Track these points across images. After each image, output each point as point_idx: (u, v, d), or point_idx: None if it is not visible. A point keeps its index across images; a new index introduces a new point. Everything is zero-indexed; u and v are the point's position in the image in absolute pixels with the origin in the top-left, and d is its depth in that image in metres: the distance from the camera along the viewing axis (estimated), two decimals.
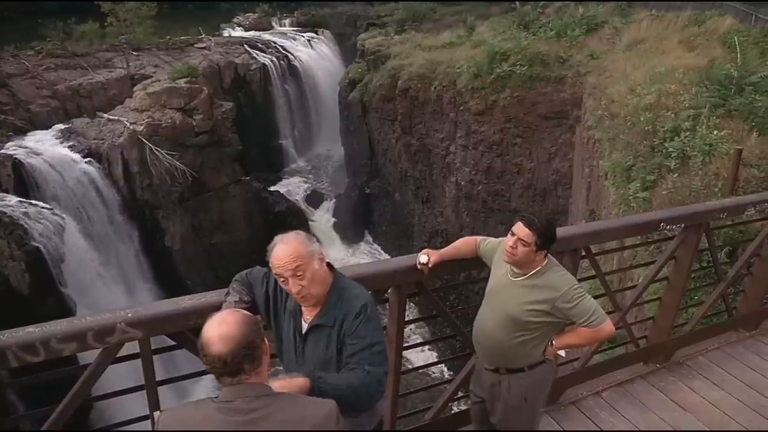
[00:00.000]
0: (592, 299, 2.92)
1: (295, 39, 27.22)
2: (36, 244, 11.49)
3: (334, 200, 23.00)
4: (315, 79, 25.75)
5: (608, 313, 4.59)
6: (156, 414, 2.20)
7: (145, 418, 2.71)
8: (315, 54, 26.79)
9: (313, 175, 25.69)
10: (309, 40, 27.52)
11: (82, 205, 13.82)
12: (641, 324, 5.39)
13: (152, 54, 22.51)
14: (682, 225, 4.31)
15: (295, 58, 25.46)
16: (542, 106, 13.89)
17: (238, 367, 1.83)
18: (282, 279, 2.39)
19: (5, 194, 12.36)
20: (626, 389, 4.44)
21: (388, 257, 20.71)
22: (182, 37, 24.50)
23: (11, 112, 18.12)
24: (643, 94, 9.96)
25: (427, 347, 15.12)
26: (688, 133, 8.46)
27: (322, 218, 22.64)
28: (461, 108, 15.04)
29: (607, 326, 2.90)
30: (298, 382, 2.24)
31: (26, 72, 19.44)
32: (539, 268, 2.95)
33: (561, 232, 4.09)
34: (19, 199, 12.26)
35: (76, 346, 2.42)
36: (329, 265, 2.52)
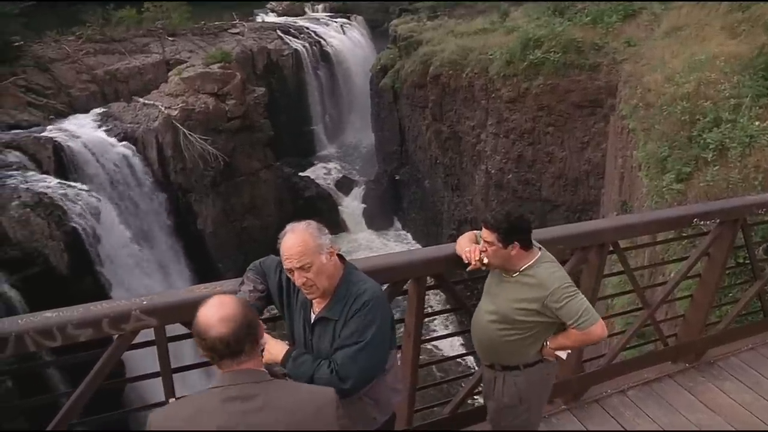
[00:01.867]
0: (583, 300, 2.78)
1: (327, 24, 27.20)
2: (74, 225, 11.86)
3: (364, 186, 23.04)
4: (347, 65, 25.71)
5: (636, 310, 4.54)
6: (171, 401, 2.23)
7: (161, 404, 2.70)
8: (347, 40, 26.73)
9: (343, 161, 25.77)
10: (341, 26, 27.45)
11: (118, 187, 14.17)
12: (671, 322, 5.27)
13: (187, 39, 22.81)
14: (717, 220, 4.16)
15: (328, 43, 25.46)
16: (576, 95, 13.58)
17: (240, 348, 1.83)
18: (289, 270, 2.37)
19: (46, 175, 12.75)
20: (653, 388, 4.32)
21: (417, 244, 20.79)
22: (216, 23, 24.73)
23: (53, 96, 18.67)
24: (681, 82, 9.63)
25: (457, 338, 15.04)
26: (728, 123, 8.17)
27: (352, 204, 22.72)
28: (493, 95, 14.83)
29: (597, 329, 2.74)
30: (276, 351, 2.36)
31: (67, 57, 19.96)
32: (529, 263, 2.83)
33: (587, 226, 4.04)
34: (58, 180, 12.64)
35: (92, 332, 2.44)
36: (341, 257, 2.49)
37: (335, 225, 21.48)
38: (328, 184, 23.23)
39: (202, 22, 24.22)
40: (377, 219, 22.09)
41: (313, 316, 2.48)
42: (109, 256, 12.80)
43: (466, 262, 2.90)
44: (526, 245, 2.81)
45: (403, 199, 21.76)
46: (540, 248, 2.91)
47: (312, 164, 24.79)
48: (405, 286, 3.12)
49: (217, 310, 1.83)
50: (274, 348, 2.40)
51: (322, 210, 21.05)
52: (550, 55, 13.65)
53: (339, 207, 22.06)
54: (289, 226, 2.40)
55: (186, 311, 2.39)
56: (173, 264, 15.70)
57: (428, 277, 3.14)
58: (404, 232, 21.85)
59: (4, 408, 7.42)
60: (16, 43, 19.35)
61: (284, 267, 2.38)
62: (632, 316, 4.94)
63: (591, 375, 4.20)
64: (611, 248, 3.79)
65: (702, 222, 4.16)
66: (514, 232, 2.74)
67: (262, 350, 2.25)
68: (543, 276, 2.79)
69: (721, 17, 12.33)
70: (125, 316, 2.49)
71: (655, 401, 4.20)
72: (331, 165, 25.15)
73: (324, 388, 2.00)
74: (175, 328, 2.63)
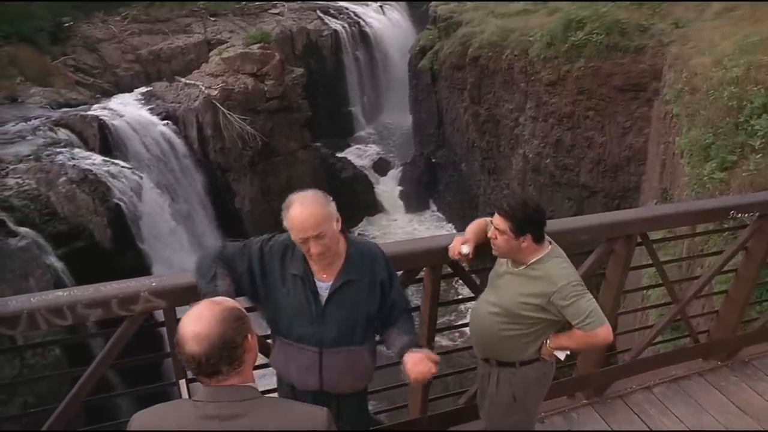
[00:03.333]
0: (592, 300, 2.65)
1: (367, 5, 26.98)
2: (117, 201, 12.24)
3: (401, 168, 23.00)
4: (385, 46, 25.53)
5: (666, 304, 4.42)
6: (182, 382, 2.26)
7: (172, 384, 2.75)
8: (386, 20, 26.50)
9: (380, 142, 25.73)
10: (381, 6, 27.20)
11: (159, 165, 14.53)
12: (703, 318, 5.12)
13: (228, 19, 23.03)
14: (756, 213, 3.97)
15: (367, 24, 25.29)
16: (618, 78, 13.13)
17: (213, 369, 1.68)
18: (302, 240, 2.33)
19: (91, 153, 13.16)
20: (681, 386, 4.18)
21: (452, 227, 20.70)
22: (257, 3, 24.84)
23: (100, 75, 19.26)
24: (730, 66, 9.22)
25: None
26: None
27: (388, 186, 22.73)
28: (532, 78, 14.50)
29: (602, 332, 2.60)
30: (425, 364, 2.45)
31: (113, 37, 20.49)
32: (538, 257, 2.71)
33: (614, 216, 3.93)
34: (103, 158, 13.03)
35: (101, 312, 2.46)
36: None
37: (371, 206, 21.57)
38: (365, 165, 23.26)
39: (243, 3, 24.39)
40: (413, 201, 22.06)
41: (321, 284, 2.45)
42: (150, 232, 13.18)
43: (452, 257, 2.85)
44: (539, 238, 2.70)
45: (440, 181, 21.63)
46: (551, 242, 2.80)
47: (349, 145, 24.85)
48: (420, 274, 3.08)
49: (193, 324, 1.69)
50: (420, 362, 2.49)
51: (358, 191, 21.14)
52: (592, 36, 13.20)
53: (375, 188, 22.10)
54: (294, 197, 2.36)
55: (195, 294, 2.39)
56: (211, 241, 16.07)
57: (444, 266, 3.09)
58: (440, 214, 21.78)
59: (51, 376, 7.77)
60: (67, 24, 19.97)
61: (297, 237, 2.33)
62: (668, 308, 4.82)
63: (615, 370, 4.09)
64: (639, 240, 3.70)
65: (740, 214, 4.01)
66: (529, 224, 2.64)
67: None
68: (551, 271, 2.67)
69: None
70: (134, 297, 2.50)
71: (682, 400, 4.05)
72: (368, 146, 25.16)
73: (314, 408, 1.83)
74: (185, 311, 2.69)
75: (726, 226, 5.16)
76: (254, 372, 1.89)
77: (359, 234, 20.15)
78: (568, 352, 2.88)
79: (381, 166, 23.50)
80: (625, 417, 3.89)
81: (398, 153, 24.54)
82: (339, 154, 22.74)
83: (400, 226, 21.10)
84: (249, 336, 1.77)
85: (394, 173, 23.12)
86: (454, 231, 15.82)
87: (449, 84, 18.81)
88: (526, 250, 2.70)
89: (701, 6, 13.08)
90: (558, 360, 2.92)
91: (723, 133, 8.35)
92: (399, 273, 2.87)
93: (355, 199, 20.85)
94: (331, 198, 2.43)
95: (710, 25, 11.88)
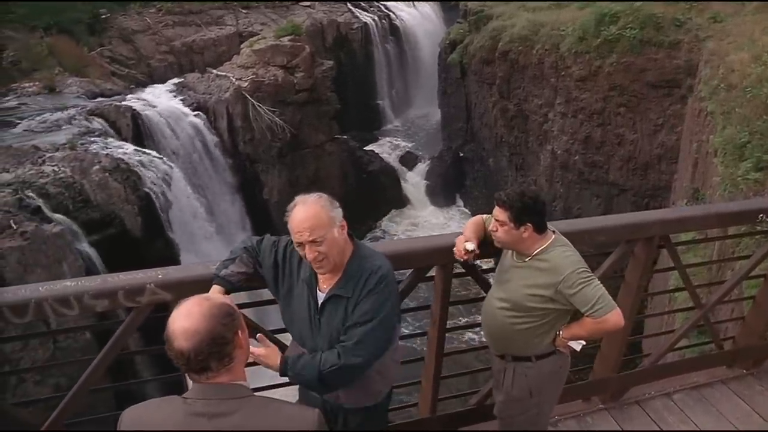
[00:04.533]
0: (599, 286, 2.60)
1: None
2: (147, 190, 12.50)
3: (428, 162, 22.91)
4: (415, 40, 25.42)
5: (689, 308, 4.31)
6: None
7: (179, 375, 2.76)
8: (417, 13, 26.35)
9: (408, 136, 25.67)
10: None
11: (189, 155, 14.77)
12: (732, 323, 4.98)
13: (260, 12, 23.24)
14: None
15: (397, 17, 25.21)
16: (651, 74, 12.83)
17: (202, 365, 1.66)
18: (298, 244, 2.28)
19: (124, 142, 13.46)
20: (702, 394, 4.04)
21: None
22: None
23: (134, 66, 19.68)
24: None
25: None
26: None
27: (415, 180, 22.67)
28: (563, 73, 14.28)
29: (613, 317, 2.56)
30: (272, 363, 2.31)
31: (148, 29, 20.88)
32: (542, 247, 2.67)
33: (634, 217, 3.85)
34: (135, 147, 13.31)
35: (108, 303, 2.46)
36: (349, 234, 2.40)
37: (398, 200, 21.58)
38: (392, 158, 23.25)
39: None
40: (440, 195, 21.98)
41: (320, 294, 2.40)
42: (179, 221, 13.44)
43: (458, 258, 2.80)
44: (540, 228, 2.66)
45: (467, 176, 21.50)
46: (554, 231, 2.75)
47: (377, 138, 24.85)
48: (431, 273, 3.06)
49: (182, 320, 1.66)
50: (269, 359, 2.37)
51: (385, 184, 21.16)
52: (626, 31, 12.92)
53: (402, 182, 22.08)
54: (298, 198, 2.32)
55: (201, 287, 2.41)
56: (239, 231, 16.31)
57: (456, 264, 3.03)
58: (466, 209, 21.66)
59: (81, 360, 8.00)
60: (104, 16, 20.44)
61: (294, 241, 2.30)
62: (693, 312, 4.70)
63: (633, 374, 4.01)
64: (660, 242, 3.62)
65: None
66: (528, 213, 2.61)
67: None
68: (556, 260, 2.64)
69: None
70: (140, 289, 2.50)
71: (703, 408, 3.92)
72: (395, 140, 25.13)
73: (306, 408, 1.82)
74: None
75: (760, 228, 5.00)
76: None
77: (383, 229, 20.22)
78: (584, 342, 2.84)
79: (408, 160, 23.46)
80: (641, 423, 3.78)
81: (426, 147, 24.46)
82: (366, 147, 22.77)
83: (426, 221, 21.06)
84: (239, 333, 1.75)
85: (422, 167, 23.04)
86: None
87: (478, 78, 18.65)
88: (528, 240, 2.67)
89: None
90: (574, 351, 2.88)
91: (759, 132, 8.10)
92: (409, 271, 2.86)
93: (381, 193, 20.89)
94: (338, 204, 2.35)
95: (750, 19, 11.52)
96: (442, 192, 21.91)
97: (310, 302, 2.42)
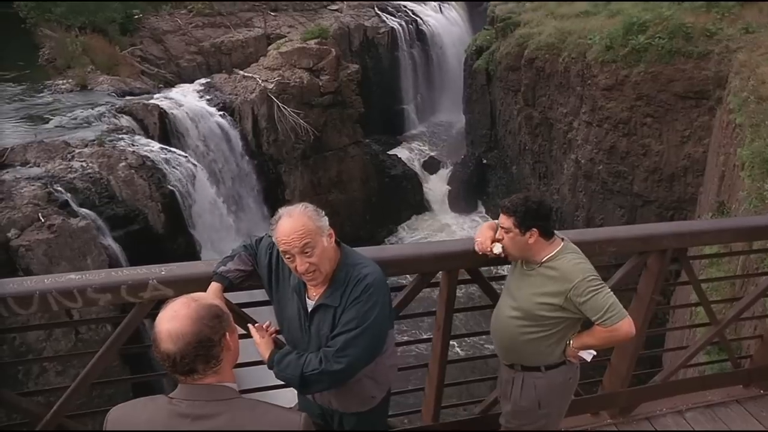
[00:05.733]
0: (610, 294, 2.57)
1: (425, 3, 26.91)
2: (171, 188, 12.71)
3: (451, 168, 22.86)
4: (442, 45, 25.38)
5: (703, 325, 4.22)
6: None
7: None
8: (444, 19, 26.32)
9: (432, 141, 25.64)
10: (439, 5, 27.06)
11: (213, 154, 14.98)
12: (746, 342, 4.86)
13: (288, 15, 23.47)
14: None
15: (424, 22, 25.21)
16: (680, 84, 12.59)
17: (189, 368, 1.65)
18: (288, 256, 2.25)
19: (150, 140, 13.71)
20: (716, 413, 3.94)
21: None
22: None
23: (164, 66, 20.04)
24: None
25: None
26: None
27: (437, 185, 22.63)
28: (589, 82, 14.11)
29: (624, 326, 2.51)
30: (263, 350, 2.34)
31: (179, 29, 21.26)
32: (550, 254, 2.64)
33: (645, 228, 3.79)
34: (161, 145, 13.55)
35: (110, 298, 2.48)
36: (336, 241, 2.40)
37: (419, 205, 21.57)
38: (415, 163, 23.26)
39: None
40: (461, 202, 21.90)
41: (309, 302, 2.40)
42: (201, 219, 13.63)
43: (479, 251, 2.76)
44: (546, 233, 2.63)
45: (489, 183, 21.39)
46: (563, 239, 2.72)
47: (400, 143, 24.88)
48: (437, 278, 3.04)
49: (168, 322, 1.66)
50: (260, 348, 2.40)
51: (407, 189, 21.18)
52: (654, 40, 12.71)
53: (424, 187, 22.07)
54: (283, 210, 2.30)
55: (203, 284, 2.44)
56: (261, 231, 16.39)
57: (462, 270, 3.03)
58: (488, 216, 21.54)
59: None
60: (136, 16, 20.89)
61: (283, 252, 2.28)
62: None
63: (644, 390, 3.92)
64: (674, 255, 3.56)
65: None
66: (533, 218, 2.59)
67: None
68: (566, 268, 2.60)
69: None
70: (143, 285, 2.51)
71: (716, 428, 3.83)
72: (419, 145, 25.12)
73: (293, 415, 1.77)
74: None
75: None
76: None
77: (402, 234, 20.21)
78: (594, 353, 2.79)
79: (431, 165, 23.44)
80: None
81: (449, 153, 24.40)
82: (390, 152, 22.81)
83: (446, 226, 21.02)
84: (227, 334, 1.73)
85: (444, 173, 23.00)
86: None
87: (504, 85, 18.56)
88: (535, 246, 2.64)
89: None
90: (584, 361, 2.83)
91: None
92: (414, 276, 2.85)
93: (403, 197, 20.92)
94: (323, 213, 2.35)
95: None
96: (464, 198, 21.83)
97: (300, 310, 2.43)
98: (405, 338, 12.99)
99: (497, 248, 2.71)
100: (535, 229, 2.61)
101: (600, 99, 13.89)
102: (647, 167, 13.62)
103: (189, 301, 1.71)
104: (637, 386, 3.96)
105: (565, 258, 2.65)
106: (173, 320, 1.65)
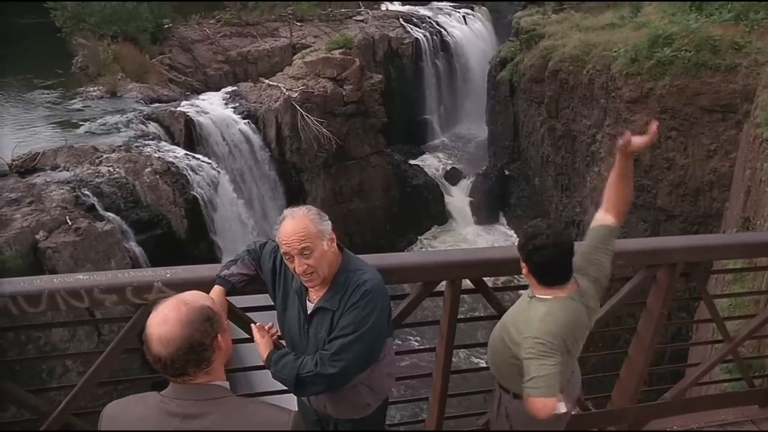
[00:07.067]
0: (548, 367, 2.33)
1: (450, 14, 27.01)
2: (194, 194, 12.94)
3: (473, 179, 22.79)
4: (466, 56, 25.44)
5: (716, 342, 4.13)
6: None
7: None
8: (468, 30, 26.40)
9: (454, 152, 25.63)
10: (464, 16, 27.14)
11: (237, 162, 15.21)
12: (763, 360, 4.74)
13: (314, 25, 23.78)
14: None
15: (448, 33, 25.31)
16: (706, 98, 12.39)
17: (180, 371, 1.65)
18: (288, 257, 2.29)
19: (175, 147, 14.00)
20: None
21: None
22: (342, 10, 25.50)
23: (191, 74, 20.46)
24: None
25: None
26: None
27: (459, 196, 22.58)
28: (613, 94, 13.98)
29: (537, 403, 2.30)
30: (262, 350, 2.38)
31: (207, 38, 21.72)
32: (541, 296, 2.56)
33: (654, 242, 3.78)
34: (185, 152, 13.83)
35: (116, 299, 2.52)
36: (339, 245, 2.42)
37: (440, 215, 21.53)
38: (437, 174, 23.26)
39: (329, 9, 25.10)
40: (483, 213, 21.81)
41: (309, 305, 2.44)
42: (223, 225, 13.84)
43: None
44: (537, 278, 2.54)
45: (511, 195, 21.26)
46: (571, 297, 2.56)
47: (422, 153, 24.93)
48: (441, 288, 3.04)
49: (158, 326, 1.64)
50: (259, 347, 2.45)
51: (428, 200, 21.16)
52: (680, 53, 12.56)
53: (445, 198, 22.04)
54: (287, 211, 2.35)
55: (206, 288, 2.46)
56: None
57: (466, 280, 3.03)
58: (509, 228, 21.41)
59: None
60: (166, 25, 21.42)
61: (283, 253, 2.32)
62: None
63: (653, 407, 3.84)
64: (685, 269, 3.50)
65: None
66: (527, 258, 2.53)
67: None
68: (534, 317, 2.48)
69: None
70: (148, 287, 2.55)
71: None
72: (441, 155, 25.14)
73: (282, 410, 1.76)
74: None
75: None
76: None
77: (423, 245, 20.18)
78: (566, 409, 2.50)
79: (453, 176, 23.41)
80: None
81: (471, 163, 24.36)
82: (412, 161, 22.87)
83: (467, 237, 20.93)
84: (219, 336, 1.72)
85: (466, 183, 22.94)
86: None
87: (527, 97, 18.50)
88: (528, 276, 2.60)
89: None
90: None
91: None
92: (417, 284, 2.86)
93: (424, 207, 20.90)
94: (327, 217, 2.37)
95: None
96: (486, 209, 21.73)
97: (300, 312, 2.46)
98: (415, 345, 12.95)
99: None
100: (524, 264, 2.57)
101: (624, 111, 13.75)
102: (671, 181, 13.41)
103: (179, 304, 1.69)
104: (647, 402, 3.91)
105: (543, 308, 2.51)
106: (163, 324, 1.64)
